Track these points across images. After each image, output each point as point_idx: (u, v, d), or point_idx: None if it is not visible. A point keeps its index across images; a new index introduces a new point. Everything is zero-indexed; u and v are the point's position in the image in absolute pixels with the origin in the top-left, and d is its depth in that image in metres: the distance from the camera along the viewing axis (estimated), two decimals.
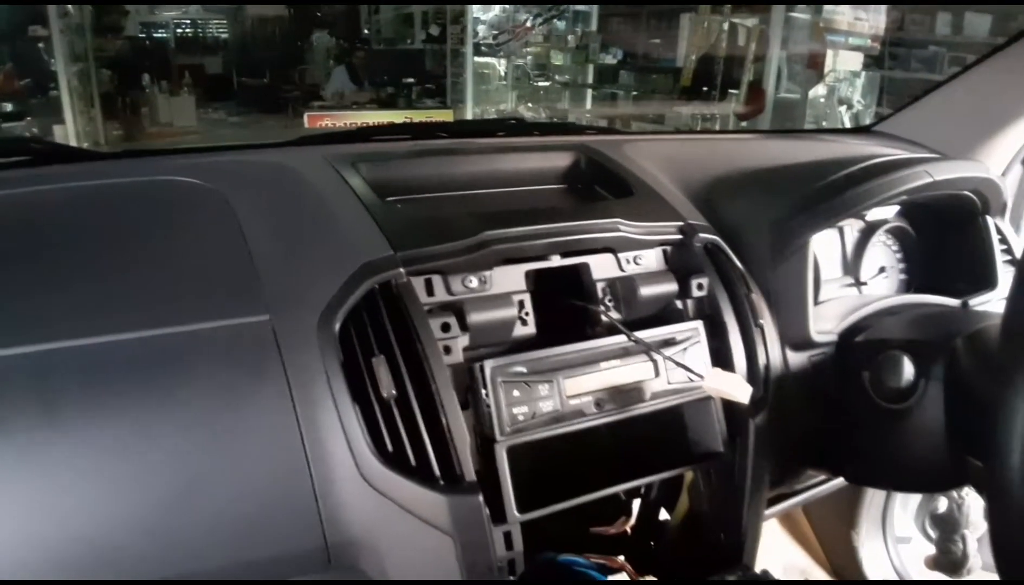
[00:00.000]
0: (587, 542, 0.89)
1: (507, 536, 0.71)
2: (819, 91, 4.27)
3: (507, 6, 6.01)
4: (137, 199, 0.86)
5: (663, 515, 0.97)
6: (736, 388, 0.72)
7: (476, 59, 5.79)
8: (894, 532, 1.76)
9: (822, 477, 1.17)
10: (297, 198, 0.86)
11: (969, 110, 1.39)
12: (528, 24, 5.99)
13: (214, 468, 0.66)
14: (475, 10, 5.84)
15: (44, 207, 0.82)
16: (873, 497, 1.69)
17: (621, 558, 0.83)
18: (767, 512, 1.11)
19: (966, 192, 1.03)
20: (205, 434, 0.66)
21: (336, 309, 0.70)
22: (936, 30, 4.64)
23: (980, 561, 1.12)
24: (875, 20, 4.81)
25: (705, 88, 5.18)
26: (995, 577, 0.69)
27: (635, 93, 5.81)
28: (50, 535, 0.61)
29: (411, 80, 6.14)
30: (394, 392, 0.66)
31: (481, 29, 5.97)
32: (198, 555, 0.65)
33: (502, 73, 6.26)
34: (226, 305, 0.71)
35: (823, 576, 1.86)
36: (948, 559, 1.12)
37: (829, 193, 0.92)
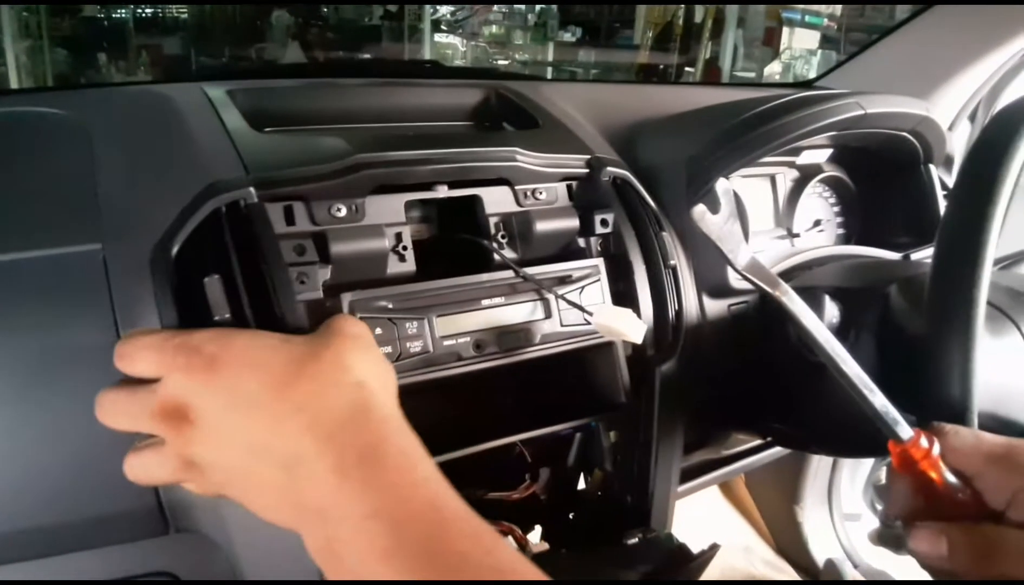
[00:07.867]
0: (493, 513, 0.81)
1: None
2: (774, 68, 4.24)
3: None
4: None
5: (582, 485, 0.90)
6: (628, 324, 0.64)
7: (436, 36, 5.68)
8: (841, 508, 1.70)
9: (755, 442, 1.11)
10: (159, 126, 0.77)
11: (913, 63, 1.34)
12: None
13: (29, 420, 0.57)
14: None
15: None
16: (817, 470, 1.62)
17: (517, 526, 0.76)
18: (699, 481, 1.04)
19: (905, 134, 0.96)
20: (18, 379, 0.57)
21: (175, 233, 0.61)
22: (895, 16, 4.63)
23: None
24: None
25: (662, 66, 5.14)
26: None
27: (594, 71, 5.75)
28: None
29: (367, 56, 6.01)
30: (228, 316, 0.57)
31: (441, 8, 5.86)
32: (12, 513, 0.58)
33: (461, 51, 6.15)
34: (58, 234, 0.62)
35: (768, 554, 1.81)
36: (891, 533, 1.06)
37: (750, 125, 0.85)
